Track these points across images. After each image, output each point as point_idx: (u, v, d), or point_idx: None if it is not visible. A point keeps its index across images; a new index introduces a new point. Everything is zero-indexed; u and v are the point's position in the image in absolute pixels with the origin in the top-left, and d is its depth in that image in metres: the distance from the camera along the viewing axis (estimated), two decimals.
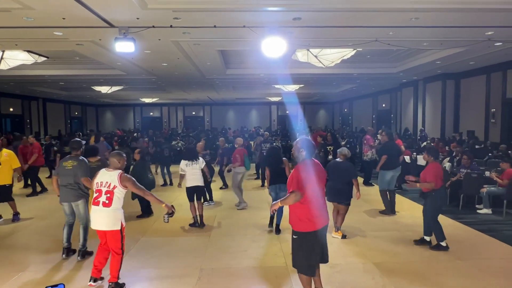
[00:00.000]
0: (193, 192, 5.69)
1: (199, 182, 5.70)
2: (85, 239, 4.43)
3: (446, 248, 4.63)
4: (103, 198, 3.49)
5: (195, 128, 24.05)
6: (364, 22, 6.71)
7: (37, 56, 9.78)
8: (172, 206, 3.58)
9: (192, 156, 5.76)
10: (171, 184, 9.39)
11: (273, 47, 6.73)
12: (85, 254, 4.42)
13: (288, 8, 5.86)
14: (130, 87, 17.42)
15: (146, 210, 6.35)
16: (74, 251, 4.52)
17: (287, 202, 3.10)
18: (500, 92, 11.45)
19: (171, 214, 3.57)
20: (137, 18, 6.24)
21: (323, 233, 3.22)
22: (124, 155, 3.74)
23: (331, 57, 9.63)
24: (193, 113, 28.55)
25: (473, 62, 11.11)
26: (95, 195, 3.56)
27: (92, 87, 16.62)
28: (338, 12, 6.08)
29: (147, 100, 24.55)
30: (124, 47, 6.61)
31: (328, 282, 3.78)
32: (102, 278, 3.75)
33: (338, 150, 5.58)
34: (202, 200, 5.86)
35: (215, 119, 27.98)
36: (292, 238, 3.18)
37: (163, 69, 12.02)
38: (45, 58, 10.20)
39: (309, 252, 3.11)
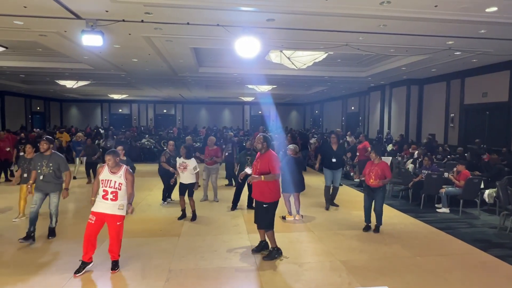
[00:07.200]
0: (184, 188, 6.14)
1: (188, 180, 6.04)
2: (56, 221, 5.08)
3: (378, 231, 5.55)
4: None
5: (166, 126, 23.52)
6: (335, 27, 6.89)
7: None
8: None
9: (183, 155, 6.09)
10: None
11: (246, 47, 6.74)
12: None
13: (262, 9, 5.89)
14: (97, 82, 16.68)
15: None
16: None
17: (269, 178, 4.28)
18: (458, 99, 12.22)
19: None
20: (106, 11, 6.01)
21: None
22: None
23: (303, 59, 9.80)
24: (165, 111, 27.91)
25: (435, 69, 11.77)
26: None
27: (56, 81, 15.73)
28: (310, 15, 6.20)
29: (116, 96, 23.62)
30: (92, 41, 6.34)
31: (297, 280, 3.85)
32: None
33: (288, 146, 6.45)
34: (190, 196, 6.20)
35: (187, 118, 27.52)
36: (263, 206, 4.31)
37: (133, 65, 11.66)
38: (4, 49, 9.53)
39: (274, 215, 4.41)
